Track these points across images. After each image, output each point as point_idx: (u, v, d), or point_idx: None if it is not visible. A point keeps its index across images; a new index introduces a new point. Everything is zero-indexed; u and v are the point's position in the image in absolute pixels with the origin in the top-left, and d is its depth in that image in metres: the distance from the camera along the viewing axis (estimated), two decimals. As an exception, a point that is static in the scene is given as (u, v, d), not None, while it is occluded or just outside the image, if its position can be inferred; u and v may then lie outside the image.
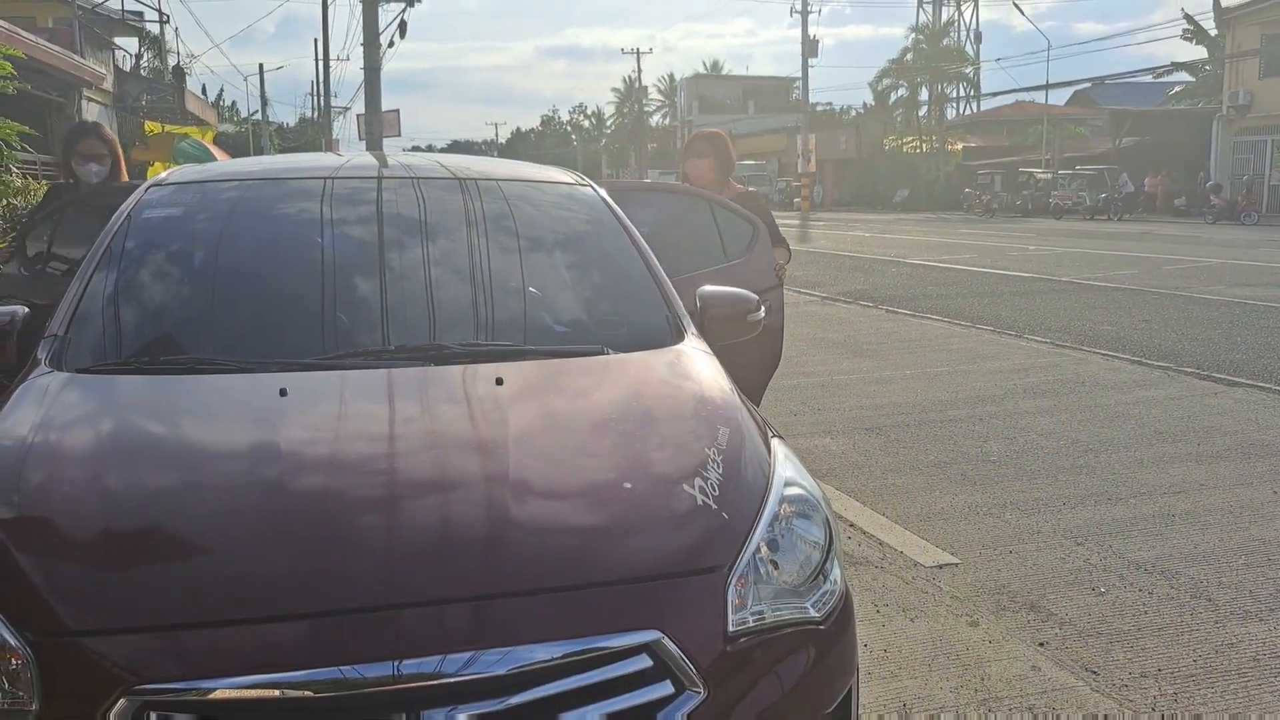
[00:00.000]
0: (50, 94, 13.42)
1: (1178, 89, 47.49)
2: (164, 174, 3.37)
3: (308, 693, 1.68)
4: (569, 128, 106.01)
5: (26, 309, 2.78)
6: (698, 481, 2.11)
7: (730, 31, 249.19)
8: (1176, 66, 43.74)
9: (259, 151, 31.54)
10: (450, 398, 2.41)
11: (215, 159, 14.26)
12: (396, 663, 1.70)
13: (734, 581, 1.95)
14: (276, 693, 1.68)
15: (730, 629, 1.90)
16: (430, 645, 1.73)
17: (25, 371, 2.52)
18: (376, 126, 21.17)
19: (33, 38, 11.72)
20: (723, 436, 2.29)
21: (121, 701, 1.64)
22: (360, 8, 21.18)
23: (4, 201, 9.42)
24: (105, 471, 2.08)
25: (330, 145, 34.48)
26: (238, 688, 1.66)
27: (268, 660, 1.70)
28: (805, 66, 47.81)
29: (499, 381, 2.42)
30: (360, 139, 23.43)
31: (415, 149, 24.81)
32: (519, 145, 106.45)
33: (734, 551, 1.99)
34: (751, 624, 1.94)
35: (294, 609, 1.77)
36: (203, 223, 3.04)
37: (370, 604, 1.78)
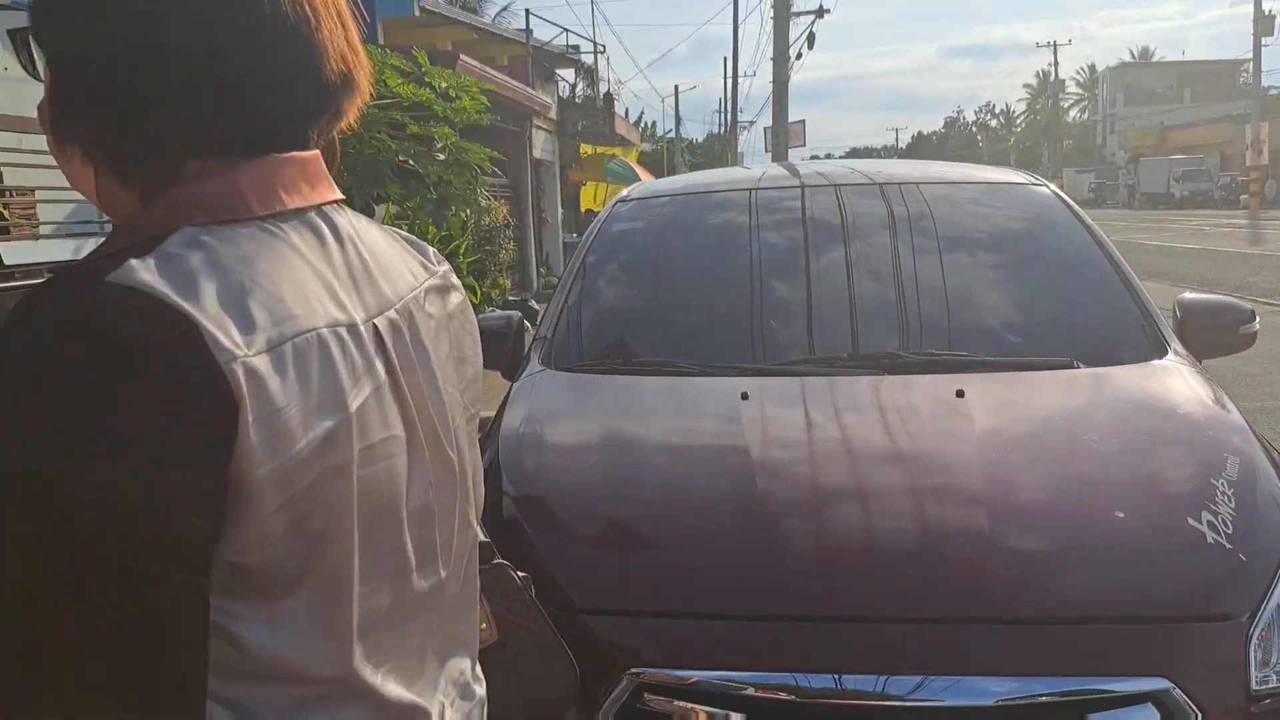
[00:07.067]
0: (508, 124, 15.21)
1: None
2: (627, 190, 3.66)
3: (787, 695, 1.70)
4: (974, 128, 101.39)
5: (520, 314, 3.15)
6: (1205, 516, 1.86)
7: (1159, 15, 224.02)
8: None
9: (672, 167, 33.47)
10: (910, 409, 2.35)
11: (639, 178, 15.38)
12: (838, 676, 1.67)
13: (1256, 634, 1.70)
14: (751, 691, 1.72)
15: (1254, 687, 1.66)
16: (897, 664, 1.69)
17: (521, 368, 2.85)
18: (783, 138, 21.60)
19: (500, 75, 13.35)
20: (1231, 467, 2.01)
21: (623, 682, 1.75)
22: (770, 24, 21.75)
23: (475, 220, 10.84)
24: (596, 461, 2.29)
25: (736, 159, 35.76)
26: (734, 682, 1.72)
27: (734, 659, 1.75)
28: (1257, 45, 41.36)
29: (959, 394, 2.32)
30: (765, 151, 24.02)
31: (814, 158, 24.96)
32: (920, 148, 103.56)
33: (1255, 600, 1.74)
34: (1275, 684, 1.68)
35: (767, 610, 1.82)
36: (669, 236, 3.25)
37: (818, 614, 1.79)
